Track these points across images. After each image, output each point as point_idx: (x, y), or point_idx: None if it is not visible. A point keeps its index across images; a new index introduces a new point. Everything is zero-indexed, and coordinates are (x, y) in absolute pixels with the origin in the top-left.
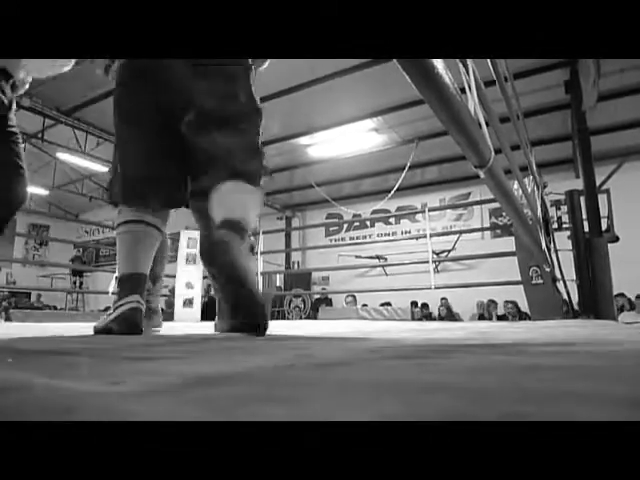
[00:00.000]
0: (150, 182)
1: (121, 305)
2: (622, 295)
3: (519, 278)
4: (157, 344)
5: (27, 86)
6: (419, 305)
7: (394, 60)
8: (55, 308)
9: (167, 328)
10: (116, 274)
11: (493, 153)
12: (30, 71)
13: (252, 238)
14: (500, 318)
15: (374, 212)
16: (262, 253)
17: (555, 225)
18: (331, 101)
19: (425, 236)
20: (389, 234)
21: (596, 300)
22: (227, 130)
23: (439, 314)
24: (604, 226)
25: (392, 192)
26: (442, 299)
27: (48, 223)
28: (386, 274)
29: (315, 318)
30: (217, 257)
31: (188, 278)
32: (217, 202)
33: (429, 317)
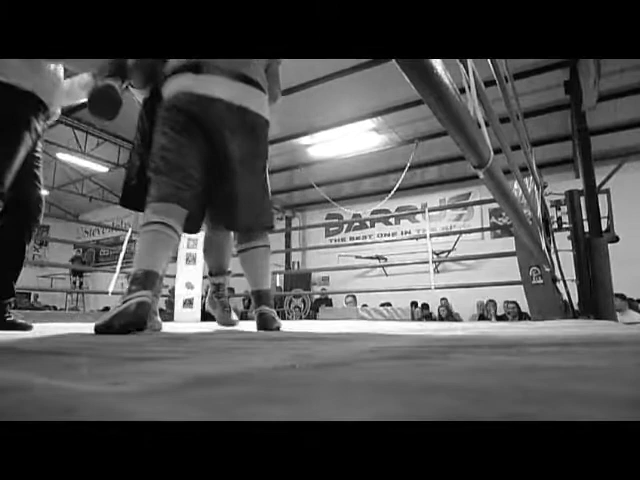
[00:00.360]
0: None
1: (130, 299)
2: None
3: (519, 278)
4: (157, 344)
5: (57, 117)
6: (419, 305)
7: (393, 60)
8: (55, 308)
9: (167, 328)
10: (117, 273)
11: (492, 153)
12: (65, 101)
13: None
14: (500, 318)
15: (374, 212)
16: None
17: (555, 225)
18: (331, 101)
19: (425, 236)
20: (389, 234)
21: (596, 300)
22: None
23: (439, 314)
24: (604, 226)
25: (392, 192)
26: (442, 299)
27: (48, 223)
28: (386, 274)
29: (315, 318)
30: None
31: (188, 278)
32: (249, 271)
33: (429, 317)
